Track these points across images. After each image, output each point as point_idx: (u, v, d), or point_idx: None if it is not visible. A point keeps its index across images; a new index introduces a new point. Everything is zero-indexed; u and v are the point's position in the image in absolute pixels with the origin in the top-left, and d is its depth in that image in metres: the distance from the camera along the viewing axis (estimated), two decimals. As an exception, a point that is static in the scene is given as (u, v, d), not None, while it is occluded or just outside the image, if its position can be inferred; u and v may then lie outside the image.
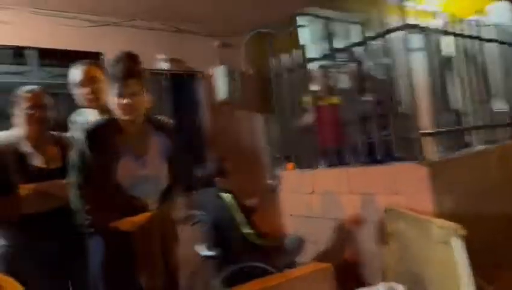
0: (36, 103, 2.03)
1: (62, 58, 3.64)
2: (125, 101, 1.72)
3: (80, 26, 3.72)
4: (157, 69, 4.19)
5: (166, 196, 1.89)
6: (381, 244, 2.35)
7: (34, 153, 2.03)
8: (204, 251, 3.00)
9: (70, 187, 1.77)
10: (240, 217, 2.99)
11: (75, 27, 3.69)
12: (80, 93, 2.18)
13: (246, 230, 2.95)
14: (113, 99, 1.74)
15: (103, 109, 2.08)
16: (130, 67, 1.73)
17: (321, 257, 2.74)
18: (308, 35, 3.59)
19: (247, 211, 3.08)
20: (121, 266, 1.70)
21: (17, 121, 2.04)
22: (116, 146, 1.76)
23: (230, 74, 4.58)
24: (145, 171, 1.80)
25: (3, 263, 1.87)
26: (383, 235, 2.31)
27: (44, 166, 2.03)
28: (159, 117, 2.00)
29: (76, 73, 2.19)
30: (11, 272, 1.57)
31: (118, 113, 1.76)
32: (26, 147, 2.02)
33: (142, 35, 4.09)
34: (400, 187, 2.29)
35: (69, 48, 3.60)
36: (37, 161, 2.03)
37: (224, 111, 4.66)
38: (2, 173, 1.78)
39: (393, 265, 2.23)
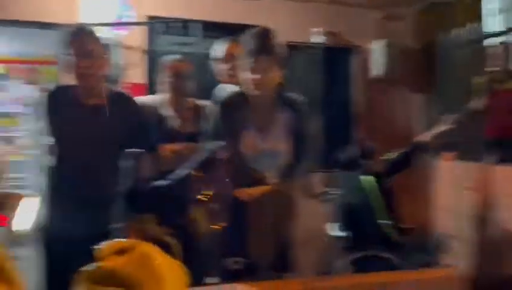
0: (176, 72, 2.21)
1: (224, 30, 3.84)
2: (255, 76, 1.75)
3: (241, 0, 3.85)
4: (312, 43, 4.10)
5: (287, 171, 1.88)
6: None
7: (172, 116, 2.22)
8: (333, 231, 2.93)
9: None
10: (379, 204, 2.79)
11: (238, 1, 3.83)
12: (220, 69, 2.27)
13: (383, 220, 2.75)
14: (245, 73, 1.79)
15: (242, 85, 2.14)
16: (263, 43, 1.75)
17: (473, 264, 2.38)
18: (497, 3, 3.02)
19: (389, 198, 2.85)
20: (234, 234, 1.74)
21: (161, 87, 2.25)
22: (242, 118, 1.82)
23: (391, 49, 4.21)
24: (267, 145, 1.83)
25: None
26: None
27: (180, 129, 2.21)
28: (290, 94, 1.99)
29: (218, 49, 2.28)
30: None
31: (249, 88, 1.81)
32: (167, 111, 2.23)
33: (300, 7, 4.03)
34: None
35: (230, 21, 3.78)
36: (175, 124, 2.22)
37: (379, 88, 4.34)
38: (146, 132, 1.99)
39: None
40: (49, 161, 1.88)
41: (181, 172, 1.56)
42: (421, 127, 4.43)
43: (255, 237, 1.77)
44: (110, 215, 1.74)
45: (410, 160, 2.93)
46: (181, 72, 2.21)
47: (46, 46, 5.07)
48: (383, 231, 2.75)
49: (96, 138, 1.82)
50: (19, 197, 1.86)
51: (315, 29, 4.11)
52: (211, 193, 1.45)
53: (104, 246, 0.51)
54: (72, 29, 1.91)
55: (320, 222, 3.06)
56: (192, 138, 2.14)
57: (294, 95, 2.01)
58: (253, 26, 1.94)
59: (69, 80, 1.89)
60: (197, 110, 2.27)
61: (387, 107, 4.39)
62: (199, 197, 1.32)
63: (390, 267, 2.45)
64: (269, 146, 1.84)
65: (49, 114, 1.91)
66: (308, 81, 4.09)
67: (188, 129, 2.21)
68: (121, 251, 0.50)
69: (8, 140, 3.98)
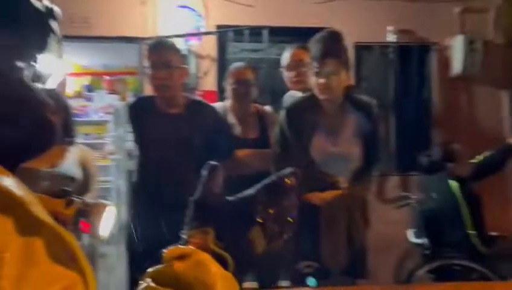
0: (239, 79, 2.22)
1: (294, 34, 3.85)
2: (321, 80, 1.75)
3: (309, 3, 3.83)
4: (385, 42, 3.96)
5: (359, 175, 1.85)
6: None
7: (235, 123, 2.26)
8: (413, 237, 2.78)
9: (272, 159, 1.92)
10: (464, 210, 2.60)
11: (304, 4, 3.82)
12: (286, 76, 2.26)
13: (468, 227, 2.55)
14: (312, 78, 1.80)
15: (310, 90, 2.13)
16: (328, 47, 1.74)
17: None
18: None
19: (475, 204, 2.65)
20: (306, 237, 1.76)
21: (226, 94, 2.30)
22: (311, 123, 1.82)
23: (471, 44, 3.92)
24: (337, 149, 1.82)
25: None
26: None
27: (242, 136, 2.23)
28: (361, 96, 1.97)
29: (284, 56, 2.28)
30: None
31: (316, 92, 1.80)
32: (231, 118, 2.27)
33: (371, 6, 3.92)
34: None
35: (299, 25, 3.77)
36: (237, 130, 2.24)
37: (460, 87, 4.07)
38: (224, 138, 2.04)
39: None
40: (132, 165, 2.02)
41: (247, 192, 1.59)
42: (510, 127, 4.07)
43: (327, 241, 1.75)
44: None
45: (502, 163, 2.70)
46: (243, 78, 2.23)
47: (128, 58, 5.46)
48: (467, 239, 2.56)
49: (176, 145, 1.90)
50: (103, 206, 2.00)
51: (388, 28, 3.96)
52: (272, 214, 1.46)
53: (168, 250, 0.56)
54: (151, 42, 2.02)
55: (397, 228, 2.93)
56: (255, 144, 2.16)
57: (365, 97, 1.98)
58: (322, 29, 1.93)
59: (151, 90, 2.01)
60: (261, 117, 2.28)
61: (471, 107, 4.09)
62: (260, 219, 1.35)
63: (475, 277, 2.28)
64: (340, 149, 1.82)
65: (132, 123, 2.06)
66: (382, 82, 3.95)
67: (250, 135, 2.23)
68: (181, 257, 0.54)
69: (95, 146, 4.33)
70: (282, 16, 3.78)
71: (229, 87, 2.25)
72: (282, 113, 1.92)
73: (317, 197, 1.78)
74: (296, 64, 2.22)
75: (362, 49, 3.94)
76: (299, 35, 3.69)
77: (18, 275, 0.35)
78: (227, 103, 2.29)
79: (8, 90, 0.48)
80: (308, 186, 1.81)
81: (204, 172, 0.65)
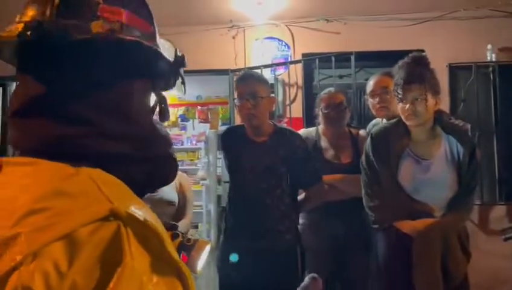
0: (331, 103, 2.23)
1: (380, 59, 3.78)
2: (406, 106, 1.72)
3: (399, 26, 3.75)
4: (483, 62, 3.69)
5: (454, 203, 1.74)
6: None
7: (328, 148, 2.25)
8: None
9: (362, 185, 1.90)
10: None
11: (393, 28, 3.74)
12: (371, 103, 2.22)
13: None
14: (398, 104, 1.77)
15: (394, 117, 2.08)
16: (412, 72, 1.70)
17: None
18: None
19: None
20: (398, 266, 1.72)
21: (318, 119, 2.31)
22: (398, 149, 1.78)
23: None
24: (429, 175, 1.74)
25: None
26: None
27: (335, 161, 2.21)
28: (454, 121, 1.92)
29: (368, 84, 2.25)
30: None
31: (403, 118, 1.78)
32: (323, 142, 2.27)
33: (466, 26, 3.71)
34: None
35: (387, 49, 3.70)
36: (330, 156, 2.23)
37: None
38: (314, 165, 2.05)
39: None
40: (221, 190, 2.11)
41: None
42: None
43: (420, 276, 1.64)
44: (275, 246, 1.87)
45: None
46: (335, 103, 2.23)
47: (219, 89, 5.78)
48: None
49: (263, 172, 1.95)
50: (205, 243, 2.10)
51: (488, 47, 3.70)
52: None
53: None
54: (239, 74, 2.13)
55: (504, 262, 2.64)
56: (348, 169, 2.14)
57: (458, 121, 1.88)
58: (411, 52, 1.87)
59: (240, 119, 2.11)
60: (355, 141, 2.26)
61: None
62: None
63: None
64: (431, 176, 1.74)
65: (223, 150, 2.18)
66: (482, 105, 3.67)
67: (343, 160, 2.21)
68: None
69: (188, 172, 4.59)
70: (370, 41, 3.75)
71: (321, 112, 2.27)
72: (368, 140, 1.89)
73: (409, 226, 1.70)
74: (380, 91, 2.18)
75: (458, 69, 3.72)
76: (387, 59, 3.61)
77: None
78: (320, 127, 2.31)
79: (145, 131, 0.55)
80: (399, 215, 1.74)
81: (305, 281, 0.70)
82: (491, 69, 3.73)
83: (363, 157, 1.89)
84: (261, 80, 2.06)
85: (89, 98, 0.51)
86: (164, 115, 0.60)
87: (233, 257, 1.88)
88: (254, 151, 1.98)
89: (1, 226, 0.40)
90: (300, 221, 2.14)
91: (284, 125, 2.59)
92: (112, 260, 0.38)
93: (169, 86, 0.62)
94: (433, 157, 1.76)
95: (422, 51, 3.51)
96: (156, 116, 0.60)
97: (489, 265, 2.80)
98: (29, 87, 0.52)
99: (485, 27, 3.70)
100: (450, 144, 1.77)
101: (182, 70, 0.62)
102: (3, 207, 0.42)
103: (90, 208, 0.40)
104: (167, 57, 0.58)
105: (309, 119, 3.63)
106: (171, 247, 0.44)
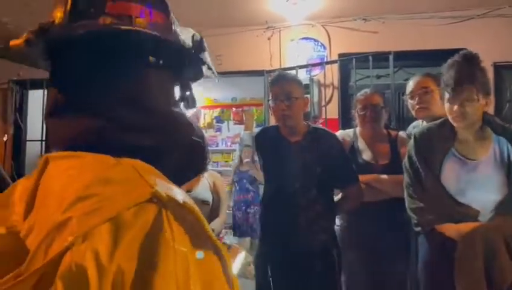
0: (367, 104, 2.20)
1: (420, 58, 3.68)
2: (456, 107, 1.65)
3: (439, 24, 3.63)
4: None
5: (503, 207, 1.65)
6: None
7: (365, 149, 2.21)
8: None
9: (404, 186, 1.85)
10: None
11: (433, 26, 3.63)
12: (410, 104, 2.16)
13: None
14: (445, 103, 1.71)
15: (434, 120, 2.02)
16: (463, 72, 1.63)
17: None
18: None
19: None
20: (440, 270, 1.67)
21: (356, 121, 2.28)
22: (442, 151, 1.73)
23: None
24: (475, 176, 1.67)
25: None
26: None
27: (373, 162, 2.17)
28: (501, 122, 1.80)
29: (408, 84, 2.20)
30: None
31: (450, 119, 1.72)
32: (360, 144, 2.23)
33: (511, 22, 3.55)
34: None
35: (426, 48, 3.60)
36: (367, 157, 2.20)
37: None
38: (350, 166, 2.04)
39: None
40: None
41: None
42: None
43: (463, 280, 1.57)
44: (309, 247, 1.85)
45: None
46: (372, 104, 2.19)
47: (254, 91, 5.81)
48: None
49: (297, 172, 1.94)
50: (238, 250, 2.12)
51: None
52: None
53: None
54: (273, 75, 2.14)
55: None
56: (386, 170, 2.10)
57: (504, 123, 1.79)
58: (454, 50, 1.80)
59: (274, 119, 2.12)
60: (393, 142, 2.21)
61: None
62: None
63: None
64: (477, 177, 1.67)
65: (258, 151, 2.18)
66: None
67: (381, 161, 2.17)
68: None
69: (223, 173, 4.63)
70: (409, 40, 3.65)
71: (357, 113, 2.24)
72: (411, 141, 1.85)
73: (453, 229, 1.63)
74: (420, 92, 2.12)
75: (503, 69, 3.56)
76: (427, 58, 3.51)
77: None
78: (357, 129, 2.29)
79: (164, 122, 0.56)
80: (442, 217, 1.68)
81: None
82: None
83: (406, 158, 1.84)
84: (295, 80, 2.05)
85: (107, 92, 0.53)
86: (189, 102, 0.61)
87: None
88: (288, 151, 1.98)
89: (53, 213, 0.43)
90: (338, 222, 2.11)
91: (320, 125, 2.56)
92: (155, 241, 0.40)
93: (197, 74, 0.63)
94: (480, 158, 1.69)
95: (465, 49, 3.40)
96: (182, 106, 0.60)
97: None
98: (54, 88, 0.56)
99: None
100: (500, 145, 1.69)
101: (204, 55, 0.62)
102: (55, 196, 0.45)
103: (133, 193, 0.43)
104: (184, 44, 0.58)
105: (345, 120, 3.58)
106: (208, 228, 0.45)
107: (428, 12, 3.65)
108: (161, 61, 0.57)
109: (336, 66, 3.83)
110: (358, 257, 2.08)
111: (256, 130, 4.37)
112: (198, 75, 0.64)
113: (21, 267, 0.41)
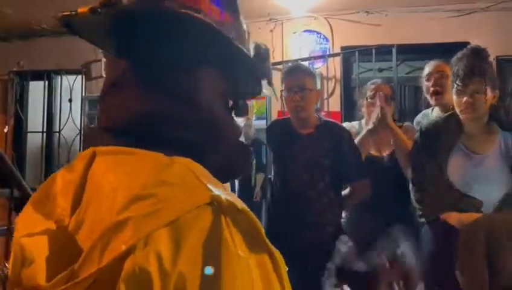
0: (378, 93, 2.16)
1: (423, 52, 3.68)
2: (465, 99, 1.67)
3: (441, 18, 3.63)
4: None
5: (508, 201, 1.67)
6: None
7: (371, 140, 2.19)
8: None
9: (410, 177, 1.87)
10: None
11: (436, 19, 3.63)
12: (426, 86, 2.16)
13: None
14: (454, 96, 1.73)
15: (446, 107, 2.04)
16: (472, 65, 1.65)
17: None
18: None
19: None
20: (443, 258, 1.69)
21: (362, 111, 2.25)
22: (448, 143, 1.74)
23: None
24: (481, 170, 1.69)
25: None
26: None
27: (376, 153, 2.17)
28: (508, 116, 1.83)
29: (425, 68, 2.21)
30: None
31: (458, 111, 1.74)
32: None
33: (514, 16, 3.55)
34: None
35: (431, 41, 3.60)
36: (373, 148, 2.18)
37: None
38: (360, 159, 2.03)
39: None
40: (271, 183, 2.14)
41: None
42: None
43: (464, 268, 1.60)
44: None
45: None
46: (383, 92, 2.19)
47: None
48: None
49: (307, 164, 1.94)
50: None
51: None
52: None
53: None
54: (287, 67, 2.13)
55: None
56: (387, 160, 2.11)
57: (508, 116, 1.81)
58: (456, 44, 1.81)
59: (276, 112, 2.11)
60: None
61: None
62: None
63: None
64: (483, 171, 1.69)
65: (269, 143, 2.18)
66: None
67: (383, 152, 2.17)
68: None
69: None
70: (412, 33, 3.64)
71: (365, 101, 2.22)
72: (417, 132, 1.86)
73: (456, 218, 1.66)
74: (437, 76, 2.13)
75: (506, 62, 3.57)
76: (430, 52, 3.50)
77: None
78: (363, 121, 2.27)
79: (215, 120, 0.55)
80: (447, 208, 1.71)
81: None
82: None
83: (412, 150, 1.85)
84: (309, 72, 2.06)
85: (161, 81, 0.52)
86: (241, 111, 0.60)
87: None
88: (299, 143, 1.98)
89: (106, 211, 0.42)
90: (343, 214, 2.12)
91: (328, 118, 2.56)
92: (217, 247, 0.39)
93: (254, 85, 0.61)
94: (486, 152, 1.71)
95: (468, 43, 3.39)
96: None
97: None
98: (110, 67, 0.54)
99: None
100: (506, 140, 1.72)
101: (267, 65, 0.60)
102: (106, 193, 0.43)
103: (193, 196, 0.42)
104: (246, 50, 0.56)
105: (347, 113, 3.58)
106: (263, 233, 0.44)
107: (431, 5, 3.65)
108: (224, 64, 0.55)
109: (338, 59, 3.83)
110: (362, 249, 2.10)
111: (255, 122, 4.37)
112: (255, 89, 0.62)
113: (74, 266, 0.40)
